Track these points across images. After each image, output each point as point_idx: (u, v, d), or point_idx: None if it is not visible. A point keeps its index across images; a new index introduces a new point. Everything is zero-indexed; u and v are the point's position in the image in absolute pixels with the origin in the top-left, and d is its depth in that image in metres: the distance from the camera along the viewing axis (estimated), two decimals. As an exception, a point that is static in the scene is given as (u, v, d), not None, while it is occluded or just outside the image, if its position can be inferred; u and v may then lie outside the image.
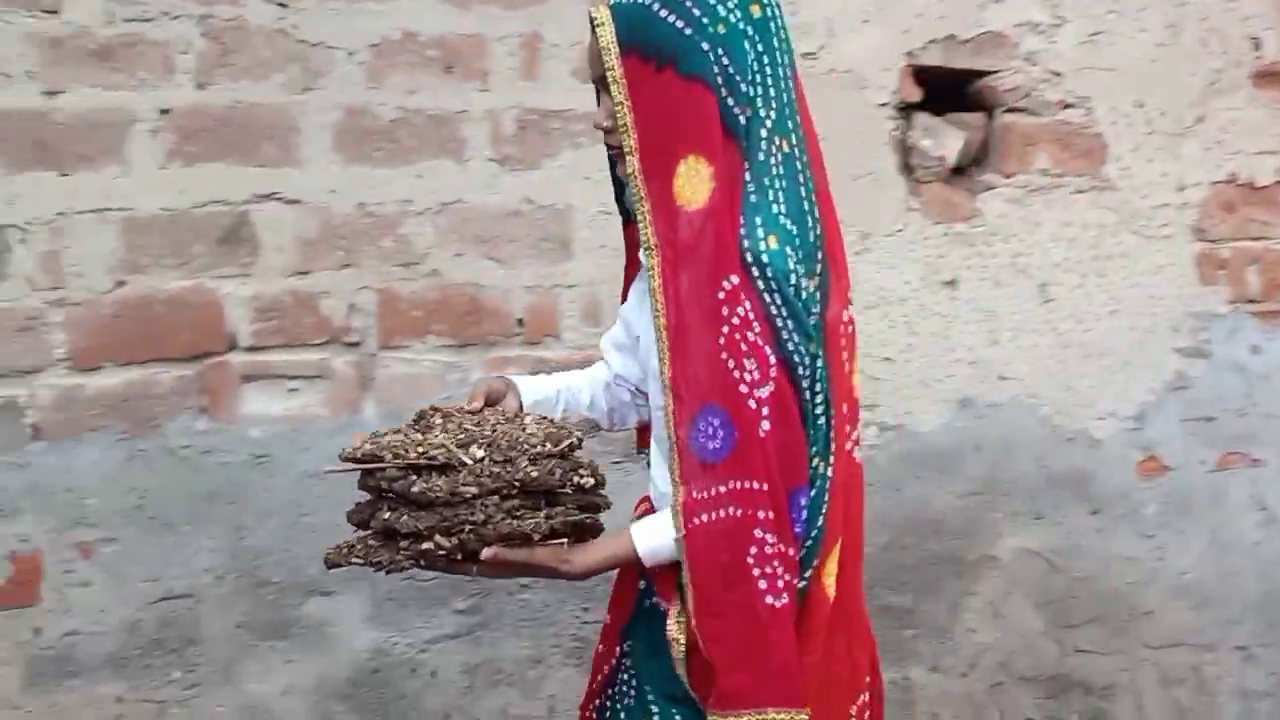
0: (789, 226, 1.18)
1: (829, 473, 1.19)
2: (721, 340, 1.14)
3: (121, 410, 1.81)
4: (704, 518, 1.14)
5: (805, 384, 1.17)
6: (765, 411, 1.13)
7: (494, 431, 1.18)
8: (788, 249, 1.17)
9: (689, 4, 1.19)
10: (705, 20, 1.19)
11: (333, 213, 1.87)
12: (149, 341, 1.82)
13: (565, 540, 1.18)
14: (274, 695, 1.88)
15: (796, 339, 1.15)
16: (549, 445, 1.17)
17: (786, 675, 1.13)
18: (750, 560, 1.12)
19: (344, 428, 1.86)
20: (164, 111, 1.81)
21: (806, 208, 1.22)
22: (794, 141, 1.23)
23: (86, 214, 1.79)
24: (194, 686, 1.86)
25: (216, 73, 1.82)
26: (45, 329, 1.78)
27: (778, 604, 1.12)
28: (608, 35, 1.19)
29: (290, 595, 1.89)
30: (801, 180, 1.23)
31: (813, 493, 1.17)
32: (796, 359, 1.15)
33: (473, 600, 1.94)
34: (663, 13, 1.18)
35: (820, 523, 1.18)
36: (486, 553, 1.16)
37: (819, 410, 1.18)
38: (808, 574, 1.17)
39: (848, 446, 1.24)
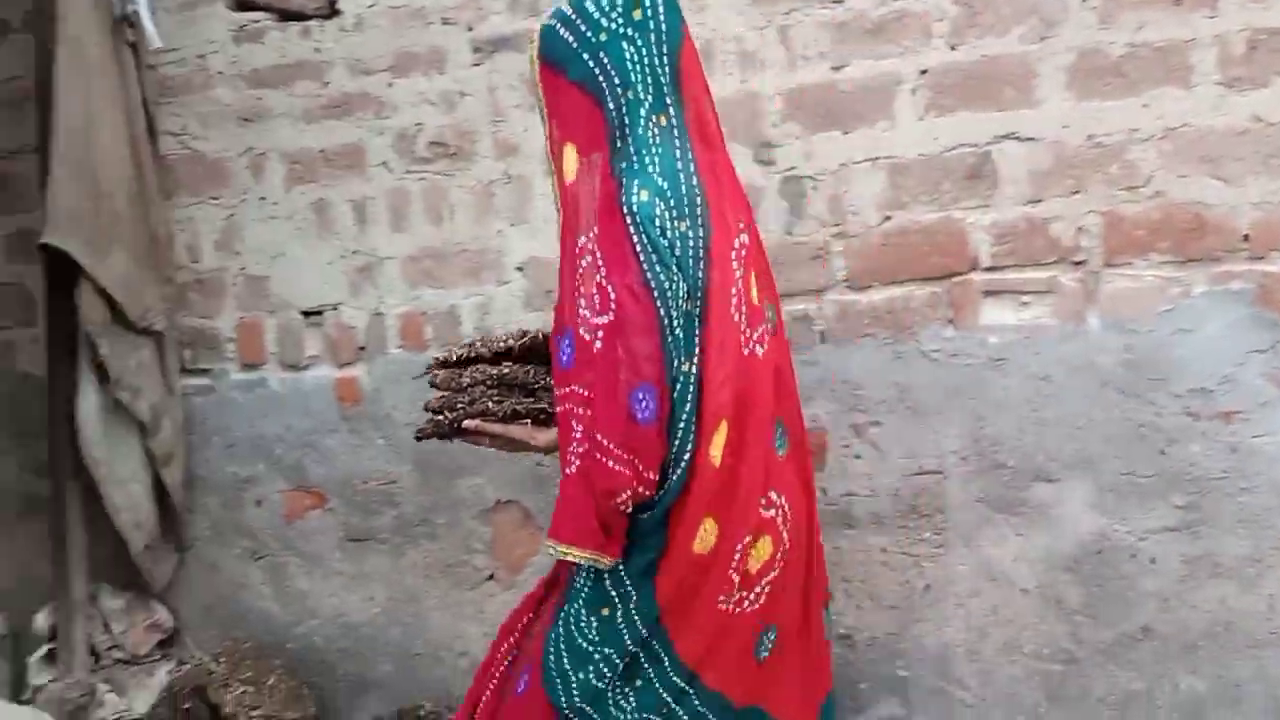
0: (660, 183, 1.50)
1: (694, 370, 1.49)
2: (577, 282, 1.52)
3: (885, 320, 2.23)
4: (559, 408, 1.56)
5: (663, 304, 1.46)
6: (600, 335, 1.48)
7: (499, 344, 1.72)
8: (657, 200, 1.48)
9: (579, 21, 1.55)
10: (588, 33, 1.54)
11: (1064, 146, 2.11)
12: (907, 264, 2.21)
13: (528, 421, 1.68)
14: (1006, 560, 2.20)
15: (658, 269, 1.46)
16: (512, 342, 1.72)
17: (573, 520, 1.51)
18: (569, 440, 1.52)
19: (1070, 336, 2.13)
20: (923, 72, 2.17)
21: (679, 166, 1.53)
22: (671, 115, 1.55)
23: (861, 163, 2.21)
24: (940, 546, 2.24)
25: (966, 33, 2.14)
26: (829, 257, 2.25)
27: (570, 470, 1.52)
28: (532, 51, 1.60)
29: (1021, 478, 2.18)
30: (677, 145, 1.54)
31: (677, 388, 1.48)
32: (653, 284, 1.46)
33: (1191, 498, 2.09)
34: (561, 30, 1.56)
35: (688, 409, 1.49)
36: (469, 423, 1.68)
37: (677, 324, 1.47)
38: (687, 450, 1.50)
39: (745, 346, 1.56)
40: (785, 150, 2.25)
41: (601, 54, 1.54)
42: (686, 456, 1.51)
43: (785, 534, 1.65)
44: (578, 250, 1.54)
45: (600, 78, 1.54)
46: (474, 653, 2.49)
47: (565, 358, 1.56)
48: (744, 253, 1.60)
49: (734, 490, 1.55)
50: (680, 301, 1.49)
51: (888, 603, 2.28)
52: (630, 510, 1.50)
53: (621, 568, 1.56)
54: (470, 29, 2.42)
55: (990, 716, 2.23)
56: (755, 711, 1.67)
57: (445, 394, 1.72)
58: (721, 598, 1.59)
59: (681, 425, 1.50)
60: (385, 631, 2.64)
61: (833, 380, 2.26)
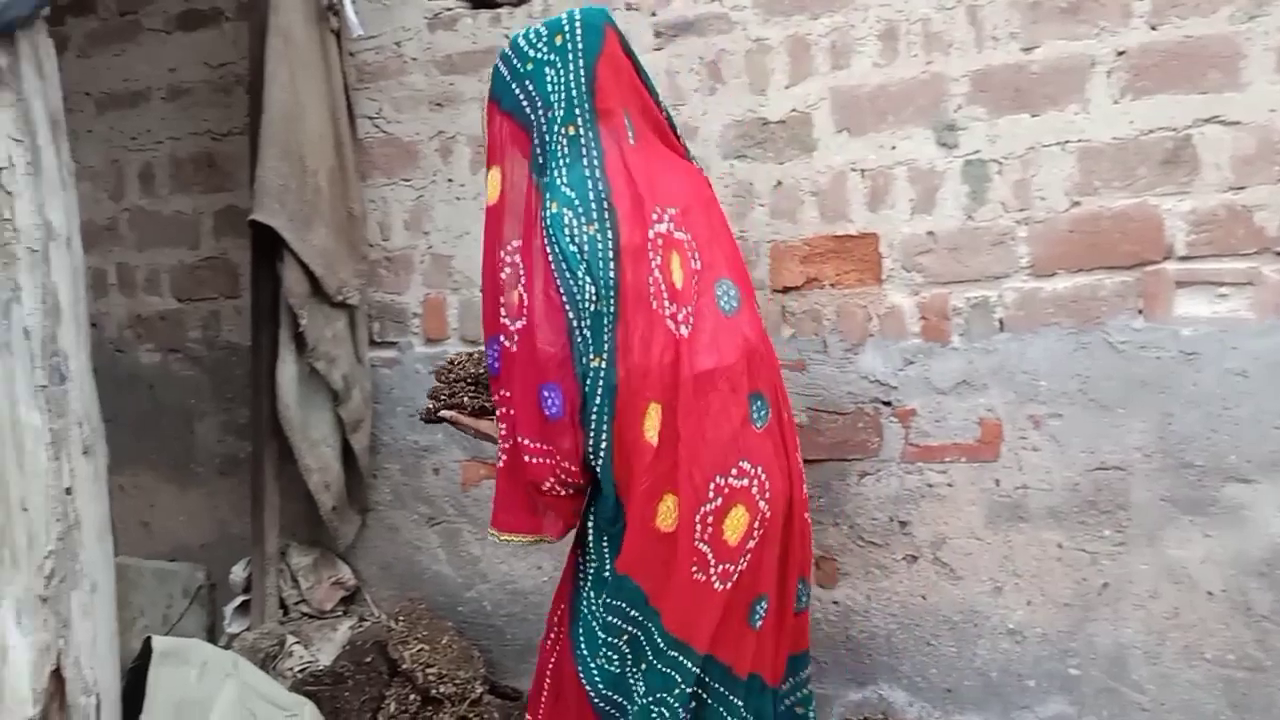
0: (568, 192, 1.66)
1: (603, 365, 1.62)
2: (499, 292, 1.71)
3: (1069, 309, 2.17)
4: (496, 411, 1.78)
5: (572, 308, 1.63)
6: (516, 338, 1.68)
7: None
8: (565, 209, 1.65)
9: (513, 57, 1.75)
10: (519, 64, 1.74)
11: (1271, 130, 2.01)
12: (1095, 251, 2.15)
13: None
14: (1193, 562, 2.12)
15: (566, 275, 1.62)
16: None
17: (505, 510, 1.80)
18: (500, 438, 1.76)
19: (1270, 331, 2.03)
20: (1120, 53, 2.10)
21: (586, 172, 1.67)
22: (579, 124, 1.69)
23: (1050, 146, 2.16)
24: (1121, 544, 2.18)
25: (1168, 13, 2.06)
26: (1012, 243, 2.21)
27: (498, 464, 1.80)
28: (487, 87, 1.80)
29: (1211, 477, 2.10)
30: (584, 153, 1.69)
31: (587, 382, 1.63)
32: (563, 290, 1.63)
33: None
34: (501, 67, 1.77)
35: (599, 400, 1.62)
36: (445, 414, 1.98)
37: (585, 325, 1.62)
38: (604, 437, 1.63)
39: (676, 328, 1.66)
40: (969, 133, 2.22)
41: (527, 82, 1.74)
42: (604, 443, 1.65)
43: (763, 504, 1.73)
44: (498, 263, 1.74)
45: (526, 105, 1.74)
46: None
47: (493, 364, 1.78)
48: (661, 240, 1.69)
49: (683, 466, 1.65)
50: (588, 303, 1.62)
51: (1061, 600, 2.23)
52: (566, 493, 1.71)
53: (607, 553, 1.71)
54: (654, 14, 2.47)
55: (1168, 721, 2.16)
56: (755, 679, 1.79)
57: (439, 385, 2.02)
58: (695, 569, 1.68)
59: (594, 414, 1.64)
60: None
61: (1010, 369, 2.22)
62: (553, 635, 1.89)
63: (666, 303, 1.67)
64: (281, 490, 2.85)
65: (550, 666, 1.89)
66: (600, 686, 1.76)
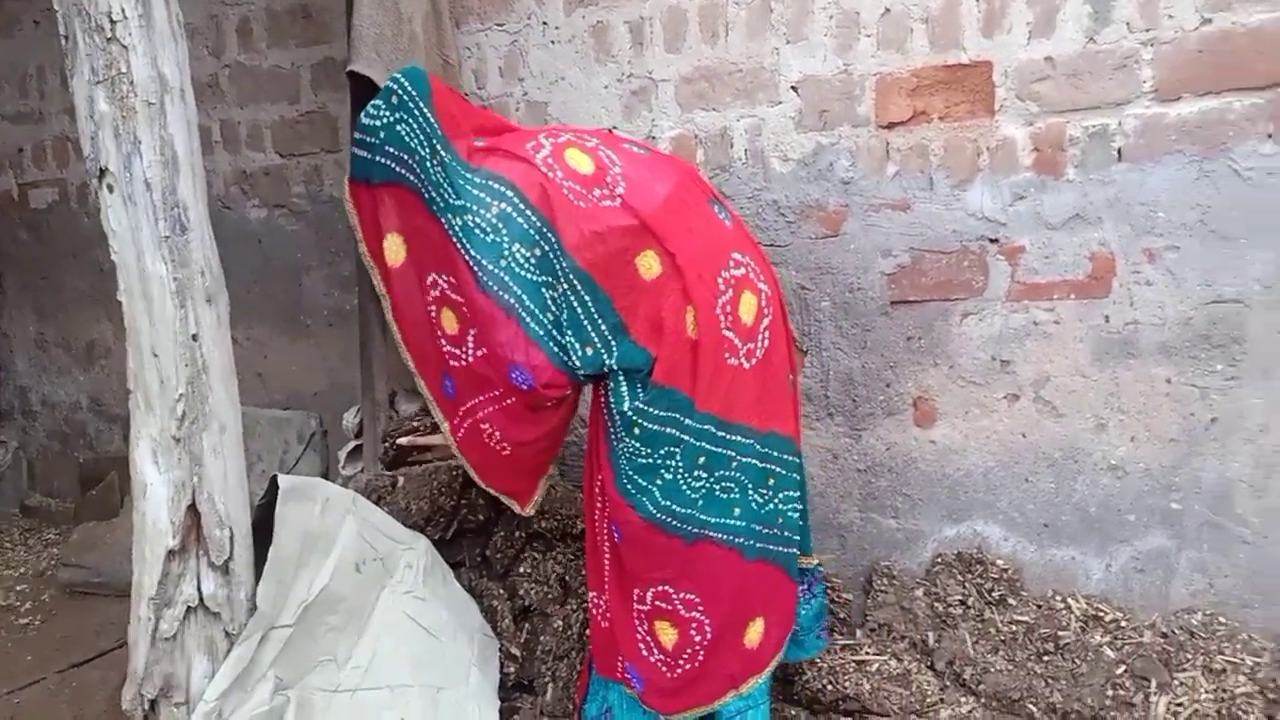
0: (463, 203, 1.82)
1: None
2: (434, 326, 1.95)
3: (1194, 135, 2.08)
4: (461, 429, 2.01)
5: (509, 295, 1.80)
6: (468, 352, 1.90)
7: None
8: (466, 217, 1.82)
9: (363, 136, 1.91)
10: (372, 140, 1.91)
11: None
12: (1226, 72, 2.04)
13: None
14: (1309, 395, 2.08)
15: (489, 266, 1.81)
16: None
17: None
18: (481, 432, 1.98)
19: None
20: None
21: (471, 178, 1.85)
22: (445, 154, 1.84)
23: (1185, -39, 2.04)
24: (1233, 379, 2.13)
25: None
26: (1136, 66, 2.11)
27: (502, 452, 2.02)
28: (344, 184, 2.00)
29: (1334, 308, 2.04)
30: (460, 165, 1.86)
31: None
32: (486, 287, 1.81)
33: None
34: (358, 151, 1.94)
35: (589, 315, 1.83)
36: (403, 440, 2.46)
37: (531, 301, 1.82)
38: (609, 338, 1.83)
39: (609, 202, 1.82)
40: (1092, -50, 2.11)
41: (388, 147, 1.89)
42: (610, 337, 1.82)
43: (761, 285, 1.92)
44: (425, 308, 1.94)
45: (398, 166, 1.90)
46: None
47: (450, 391, 1.99)
48: (551, 160, 1.84)
49: (689, 276, 1.80)
50: (527, 273, 1.81)
51: (1167, 435, 2.20)
52: (553, 400, 1.90)
53: (625, 394, 1.85)
54: None
55: (1270, 554, 2.15)
56: (788, 441, 1.97)
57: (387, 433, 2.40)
58: (728, 355, 1.84)
59: (590, 328, 1.83)
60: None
61: (1127, 201, 2.15)
62: (597, 510, 2.01)
63: (591, 193, 1.81)
64: (389, 341, 2.93)
65: (604, 539, 2.01)
66: (664, 503, 1.87)
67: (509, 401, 1.91)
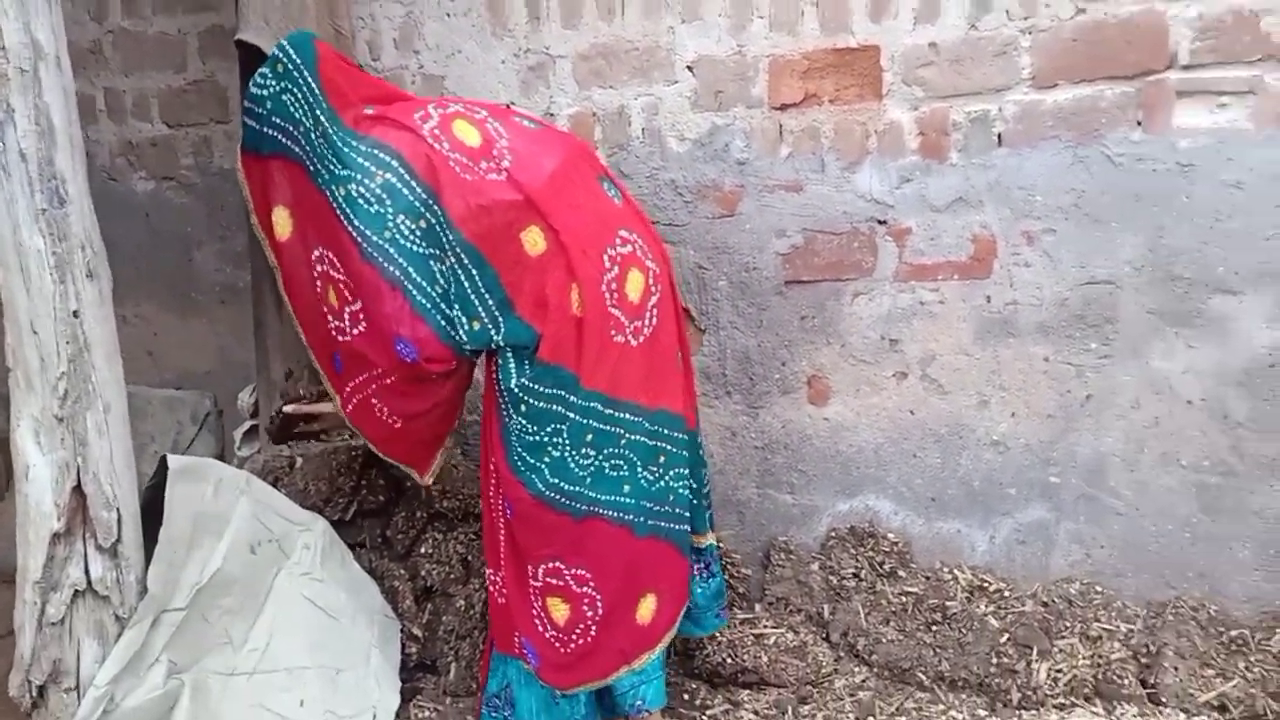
0: (348, 172, 1.82)
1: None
2: (319, 301, 1.94)
3: (1069, 122, 2.16)
4: (351, 403, 2.00)
5: (393, 266, 1.80)
6: (351, 326, 1.90)
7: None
8: (350, 185, 1.81)
9: (252, 106, 1.93)
10: (259, 110, 1.92)
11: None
12: (1098, 61, 2.12)
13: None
14: (1175, 373, 2.18)
15: (372, 237, 1.80)
16: None
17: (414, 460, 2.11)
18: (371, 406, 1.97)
19: (1268, 142, 2.03)
20: None
21: (357, 146, 1.84)
22: (323, 119, 1.84)
23: (1056, -49, 2.10)
24: (1106, 357, 2.23)
25: None
26: (1015, 53, 2.18)
27: (393, 425, 2.01)
28: (237, 154, 2.04)
29: (1198, 290, 2.14)
30: (337, 134, 1.85)
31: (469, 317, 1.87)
32: (374, 255, 1.80)
33: None
34: (248, 121, 1.98)
35: (475, 292, 1.84)
36: (289, 408, 2.38)
37: (415, 270, 1.83)
38: (501, 325, 1.85)
39: (495, 176, 1.82)
40: (975, -61, 2.15)
41: (275, 118, 1.91)
42: (496, 312, 1.84)
43: (649, 263, 1.94)
44: (311, 284, 1.95)
45: (284, 138, 1.91)
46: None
47: (338, 366, 2.00)
48: (439, 130, 1.85)
49: (573, 253, 1.82)
50: (411, 244, 1.81)
51: (1045, 411, 2.30)
52: (438, 374, 1.90)
53: (514, 379, 1.87)
54: None
55: (1141, 525, 2.26)
56: (677, 419, 2.00)
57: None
58: (614, 333, 1.86)
59: (475, 302, 1.85)
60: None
61: (1006, 185, 2.22)
62: (491, 487, 2.03)
63: (478, 166, 1.82)
64: (284, 317, 2.88)
65: (499, 516, 2.03)
66: (552, 480, 1.90)
67: (390, 380, 1.91)
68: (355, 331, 1.90)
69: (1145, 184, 2.12)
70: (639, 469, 1.93)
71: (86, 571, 1.80)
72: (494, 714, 2.12)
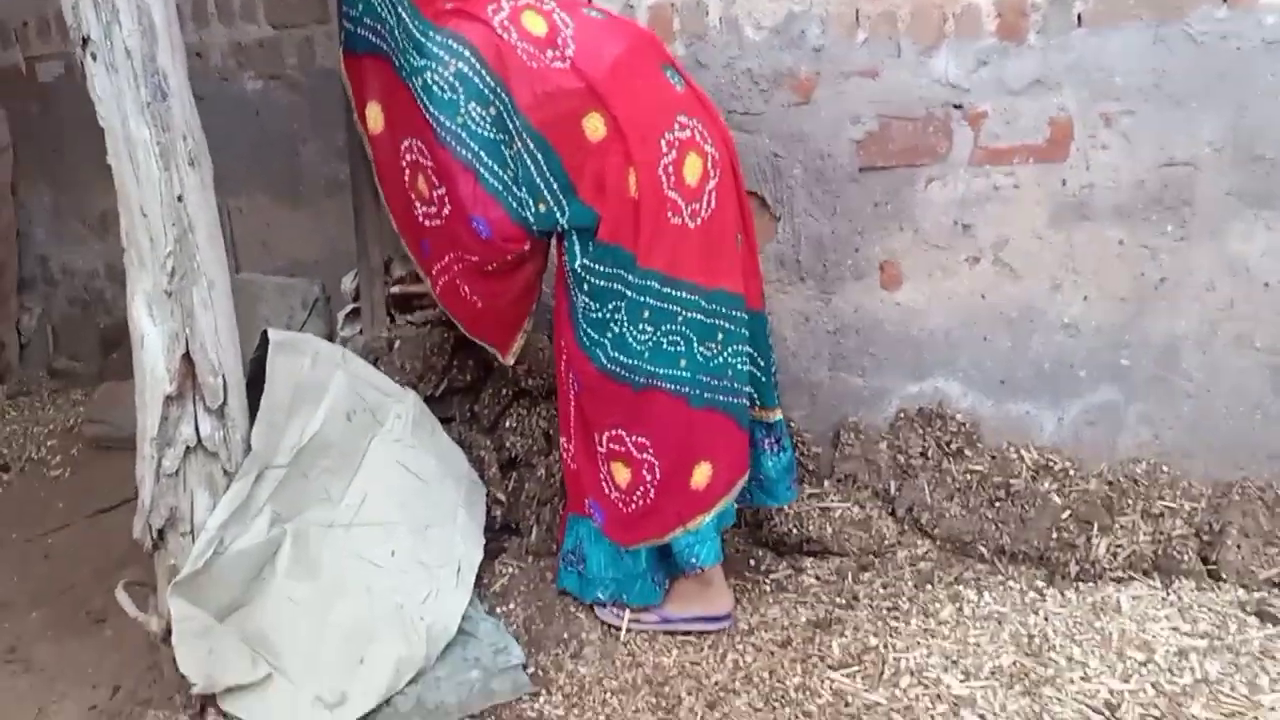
0: (425, 62, 1.95)
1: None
2: (407, 188, 2.12)
3: (1152, 1, 2.12)
4: (439, 284, 2.21)
5: (467, 151, 1.95)
6: (438, 212, 2.07)
7: None
8: (426, 75, 1.95)
9: (348, 10, 2.09)
10: (351, 11, 2.08)
11: None
12: (1184, -65, 2.07)
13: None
14: (1253, 255, 2.16)
15: (447, 123, 1.95)
16: None
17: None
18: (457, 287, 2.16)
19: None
20: None
21: (435, 38, 1.96)
22: (405, 16, 1.96)
23: None
24: (1182, 239, 2.22)
25: None
26: (1099, -72, 2.13)
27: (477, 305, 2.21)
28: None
29: (1279, 171, 2.11)
30: (417, 27, 1.96)
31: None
32: (453, 149, 1.95)
33: None
34: (344, 24, 2.14)
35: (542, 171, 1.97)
36: (395, 289, 2.48)
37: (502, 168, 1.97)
38: (556, 190, 1.98)
39: (560, 65, 1.93)
40: None
41: (365, 19, 2.04)
42: (560, 193, 1.96)
43: (709, 147, 1.98)
44: (399, 175, 2.08)
45: (374, 37, 2.04)
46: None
47: (426, 250, 2.18)
48: (508, 22, 1.94)
49: (631, 139, 1.90)
50: (482, 129, 1.94)
51: (1118, 294, 2.30)
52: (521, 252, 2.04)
53: (578, 259, 2.00)
54: None
55: (1212, 406, 2.26)
56: (755, 311, 2.14)
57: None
58: (670, 214, 1.94)
59: (540, 182, 1.97)
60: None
61: (1086, 66, 2.20)
62: (563, 363, 2.19)
63: (544, 55, 1.91)
64: (381, 209, 3.04)
65: (569, 390, 2.18)
66: (614, 354, 2.03)
67: (473, 259, 2.05)
68: (441, 216, 2.05)
69: (1229, 62, 2.08)
70: (695, 345, 2.03)
71: (197, 430, 1.99)
72: (569, 569, 2.30)
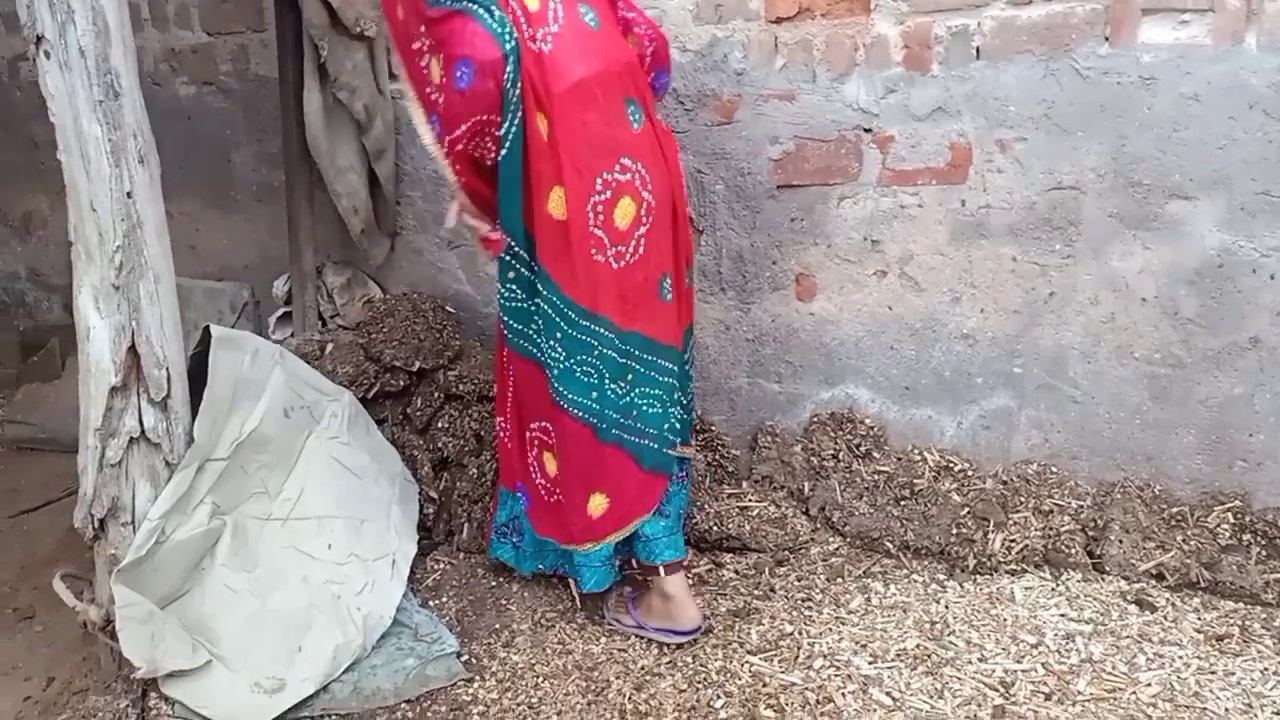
0: None
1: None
2: (429, 94, 1.97)
3: (1042, 36, 2.31)
4: (454, 152, 1.96)
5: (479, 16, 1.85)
6: (442, 88, 1.92)
7: None
8: None
9: None
10: None
11: None
12: (1071, -20, 2.27)
13: None
14: (1131, 272, 2.36)
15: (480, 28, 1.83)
16: None
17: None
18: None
19: (1223, 57, 2.18)
20: None
21: None
22: None
23: (1036, -127, 2.24)
24: (1069, 258, 2.41)
25: None
26: (994, -30, 2.33)
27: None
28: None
29: (1155, 195, 2.30)
30: None
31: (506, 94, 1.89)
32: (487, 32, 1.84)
33: None
34: None
35: (513, 106, 1.89)
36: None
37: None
38: (514, 127, 1.89)
39: (532, 46, 1.88)
40: None
41: None
42: (513, 130, 1.89)
43: (646, 193, 2.02)
44: (414, 58, 2.00)
45: None
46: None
47: (438, 133, 2.00)
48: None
49: (565, 165, 1.91)
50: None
51: (1012, 307, 2.49)
52: (495, 156, 1.94)
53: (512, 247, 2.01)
54: None
55: (1095, 412, 2.47)
56: (672, 347, 2.17)
57: None
58: (594, 251, 1.98)
59: (511, 109, 1.89)
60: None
61: (983, 96, 2.39)
62: (504, 346, 2.24)
63: (527, 30, 1.88)
64: (315, 215, 3.11)
65: (507, 369, 2.26)
66: (534, 351, 2.12)
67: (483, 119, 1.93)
68: (451, 89, 1.92)
69: (1110, 95, 2.28)
70: (608, 381, 2.08)
71: (140, 421, 2.05)
72: (503, 540, 2.39)
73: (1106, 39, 2.26)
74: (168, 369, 2.09)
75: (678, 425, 2.28)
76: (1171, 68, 2.22)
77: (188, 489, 2.06)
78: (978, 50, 2.37)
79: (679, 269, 2.19)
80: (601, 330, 2.04)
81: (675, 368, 2.21)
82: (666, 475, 2.25)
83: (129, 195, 2.02)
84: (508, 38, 1.86)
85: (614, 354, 2.06)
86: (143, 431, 2.02)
